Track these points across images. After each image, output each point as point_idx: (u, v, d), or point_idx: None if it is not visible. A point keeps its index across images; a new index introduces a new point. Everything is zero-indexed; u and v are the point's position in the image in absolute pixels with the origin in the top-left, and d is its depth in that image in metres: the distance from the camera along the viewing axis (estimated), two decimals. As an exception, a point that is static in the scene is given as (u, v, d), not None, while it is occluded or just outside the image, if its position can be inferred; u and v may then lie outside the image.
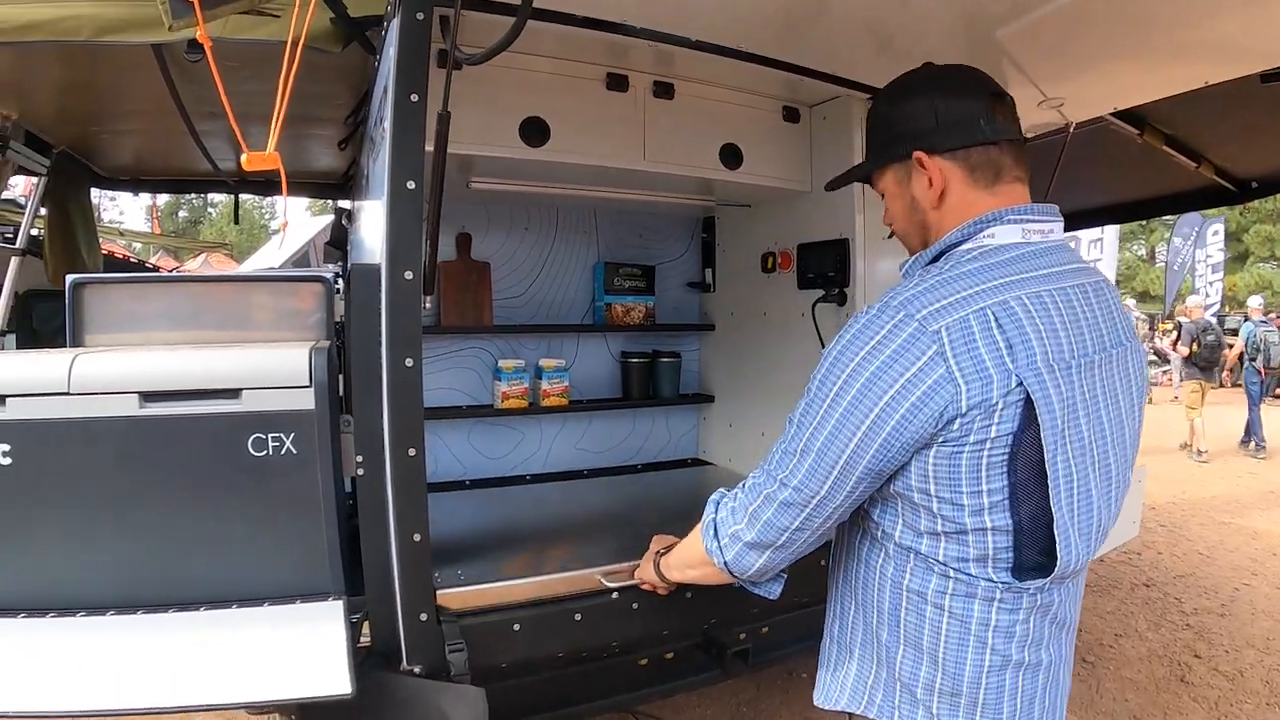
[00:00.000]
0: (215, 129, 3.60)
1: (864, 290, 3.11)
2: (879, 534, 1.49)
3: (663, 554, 2.01)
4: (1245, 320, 13.64)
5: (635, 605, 2.45)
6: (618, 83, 2.85)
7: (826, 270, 3.19)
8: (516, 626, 2.30)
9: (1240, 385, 12.91)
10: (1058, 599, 1.40)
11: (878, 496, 1.44)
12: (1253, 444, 11.44)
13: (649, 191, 3.43)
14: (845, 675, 1.59)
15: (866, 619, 1.55)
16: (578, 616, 2.39)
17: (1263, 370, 12.06)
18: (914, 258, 1.50)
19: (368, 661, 2.12)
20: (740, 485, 1.55)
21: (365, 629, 2.15)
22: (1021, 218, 1.40)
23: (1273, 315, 16.50)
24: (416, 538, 2.11)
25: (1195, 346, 11.18)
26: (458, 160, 2.72)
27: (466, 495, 3.53)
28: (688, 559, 1.78)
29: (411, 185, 2.07)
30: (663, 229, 4.22)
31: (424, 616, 2.14)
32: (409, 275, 2.06)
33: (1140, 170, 4.25)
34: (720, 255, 4.12)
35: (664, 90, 2.94)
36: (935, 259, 1.43)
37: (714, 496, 1.65)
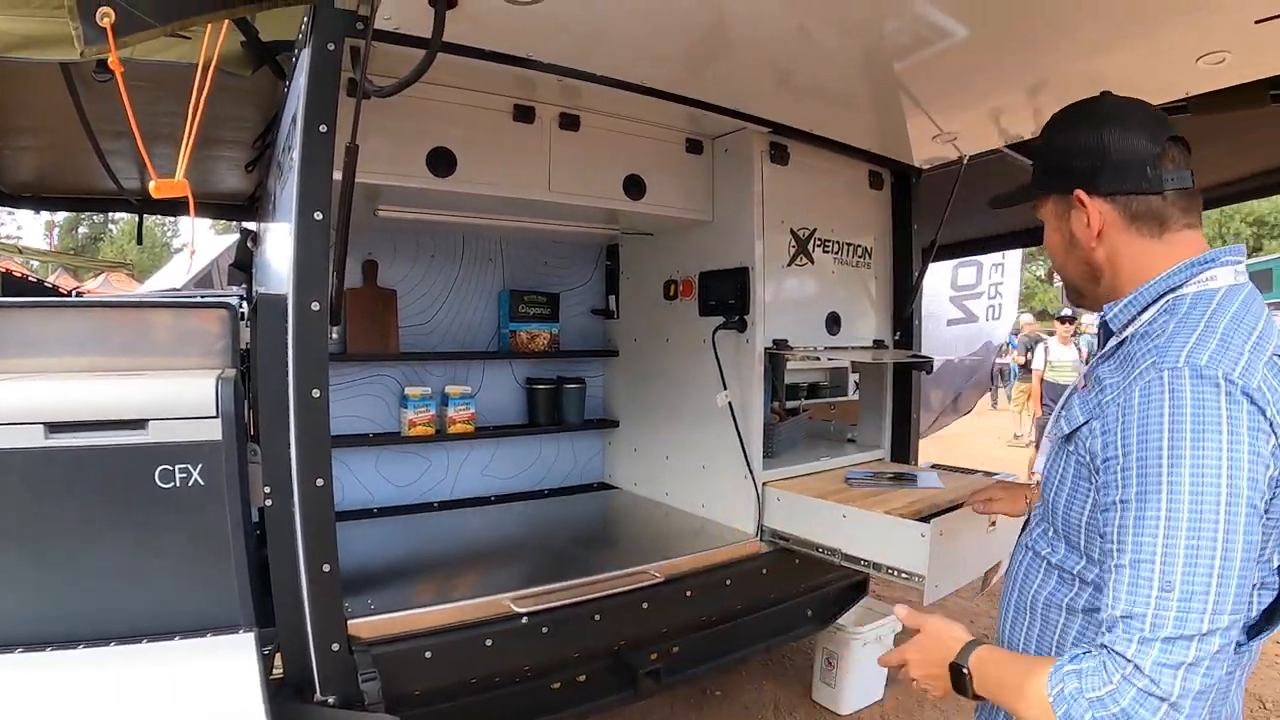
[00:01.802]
0: (121, 148, 3.55)
1: (763, 317, 3.22)
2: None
3: (965, 669, 1.40)
4: (1077, 334, 15.17)
5: (545, 629, 2.50)
6: (524, 114, 2.90)
7: (727, 298, 3.28)
8: (428, 654, 2.32)
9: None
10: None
11: None
12: None
13: (555, 220, 3.48)
14: None
15: None
16: (488, 642, 2.42)
17: (1023, 366, 13.41)
18: (1122, 304, 1.40)
19: (281, 693, 2.12)
20: (1116, 668, 1.14)
21: (278, 660, 2.15)
22: (1236, 258, 1.35)
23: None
24: (326, 568, 2.12)
25: (1028, 356, 12.46)
26: (365, 189, 2.73)
27: (375, 524, 3.52)
28: (1023, 714, 1.27)
29: (319, 216, 2.09)
30: (568, 257, 4.28)
31: (336, 646, 2.15)
32: (315, 306, 2.08)
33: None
34: (624, 282, 4.19)
35: (570, 122, 3.00)
36: (1150, 304, 1.37)
37: (1067, 687, 1.18)
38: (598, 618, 2.60)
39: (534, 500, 4.03)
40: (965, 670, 1.39)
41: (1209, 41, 2.21)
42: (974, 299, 7.29)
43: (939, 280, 7.03)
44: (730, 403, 3.24)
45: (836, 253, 3.57)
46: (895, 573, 2.55)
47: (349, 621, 2.24)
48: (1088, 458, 1.31)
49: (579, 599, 2.58)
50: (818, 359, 5.49)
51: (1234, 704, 1.37)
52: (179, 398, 1.95)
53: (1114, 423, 1.24)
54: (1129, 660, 1.12)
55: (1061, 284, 1.59)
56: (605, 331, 4.39)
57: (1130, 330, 1.36)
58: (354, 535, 3.26)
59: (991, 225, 5.69)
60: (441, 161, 2.75)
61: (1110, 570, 1.20)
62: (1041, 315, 32.90)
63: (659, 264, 3.81)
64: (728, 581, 2.99)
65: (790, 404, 4.69)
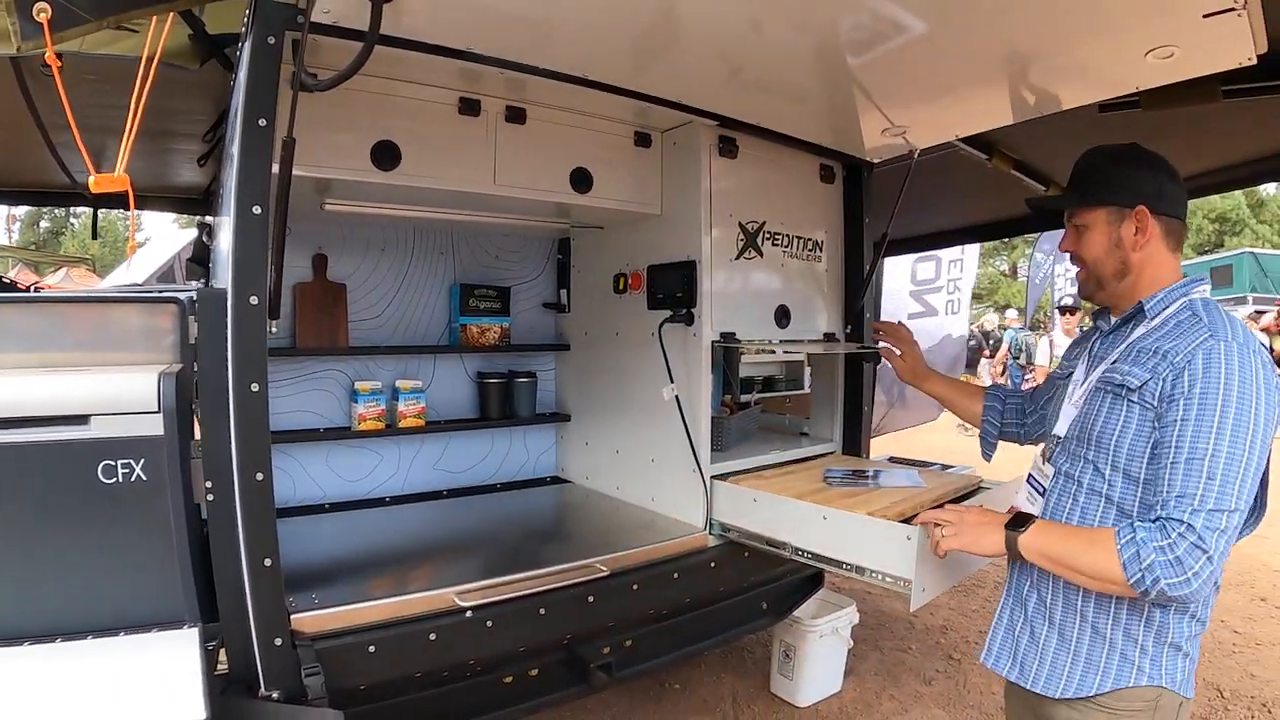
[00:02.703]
0: (73, 141, 3.53)
1: (710, 311, 3.26)
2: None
3: (1019, 530, 1.90)
4: (1005, 329, 17.53)
5: (489, 623, 2.53)
6: (470, 107, 2.91)
7: (674, 291, 3.33)
8: (372, 648, 2.35)
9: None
10: None
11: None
12: None
13: (503, 214, 3.51)
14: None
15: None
16: (432, 636, 2.44)
17: (1025, 366, 14.94)
18: (1159, 298, 1.92)
19: (230, 689, 2.13)
20: (1173, 528, 1.64)
21: (224, 656, 2.17)
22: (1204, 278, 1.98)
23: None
24: (267, 562, 2.14)
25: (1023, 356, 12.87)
26: (311, 182, 2.75)
27: (326, 519, 3.53)
28: (1085, 566, 1.77)
29: (257, 210, 2.10)
30: (519, 250, 4.30)
31: (279, 641, 2.17)
32: (254, 300, 2.09)
33: (999, 191, 4.50)
34: (575, 276, 4.22)
35: (516, 115, 3.02)
36: (1174, 301, 1.91)
37: (1137, 535, 1.68)
38: (543, 611, 2.63)
39: (486, 494, 4.06)
40: (1024, 527, 1.88)
41: (1157, 35, 2.26)
42: (933, 293, 7.39)
43: (899, 275, 7.14)
44: (677, 396, 3.28)
45: (786, 246, 3.61)
46: (880, 577, 2.52)
47: (292, 616, 2.26)
48: (1153, 400, 1.78)
49: (524, 593, 2.61)
50: (773, 351, 5.57)
51: (1209, 612, 1.90)
52: (121, 393, 1.96)
53: (1181, 373, 1.73)
54: (1184, 522, 1.63)
55: (1081, 276, 2.09)
56: (557, 325, 4.42)
57: (1159, 319, 1.89)
58: (304, 530, 3.29)
59: (956, 219, 5.79)
60: (386, 155, 2.76)
61: (1165, 467, 1.70)
62: (1005, 309, 33.45)
63: (609, 257, 3.84)
64: (675, 575, 3.03)
65: (745, 397, 4.76)
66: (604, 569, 2.79)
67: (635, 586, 2.90)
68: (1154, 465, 1.76)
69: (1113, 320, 2.05)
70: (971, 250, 7.60)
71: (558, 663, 2.96)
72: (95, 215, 5.85)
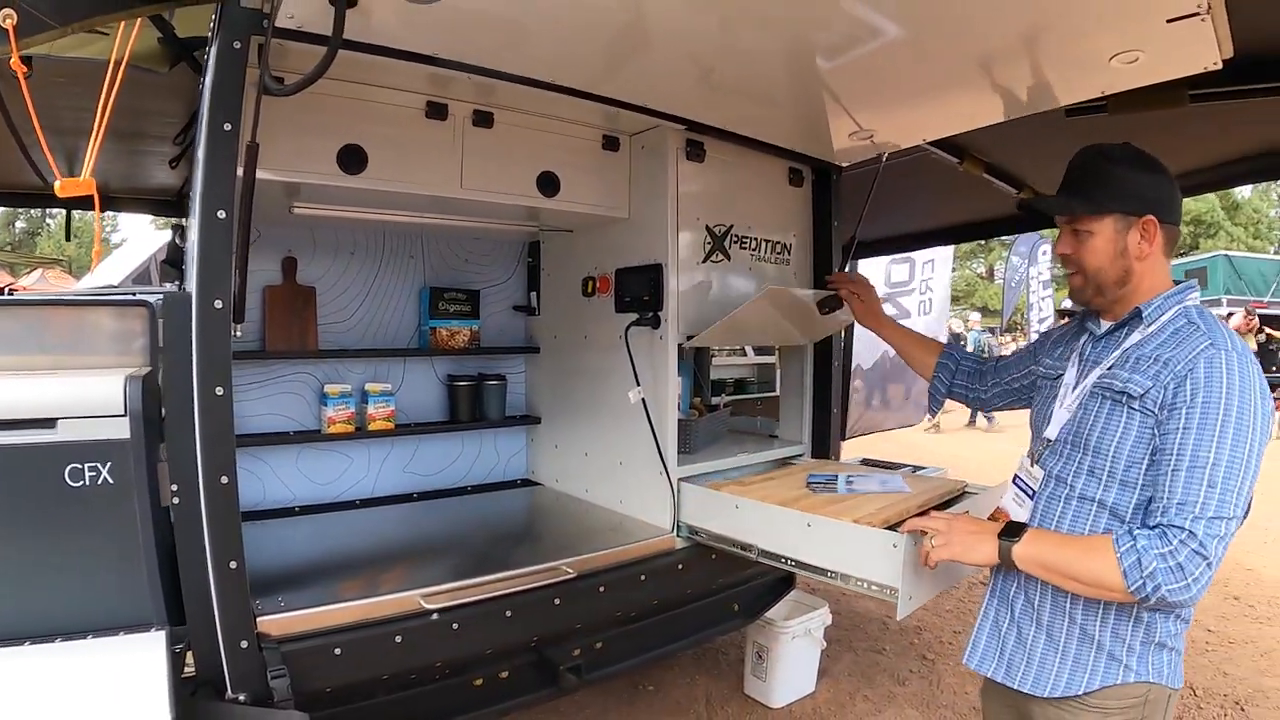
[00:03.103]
0: (49, 143, 3.53)
1: (677, 314, 3.29)
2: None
3: (1012, 539, 1.90)
4: (970, 331, 18.36)
5: (455, 626, 2.56)
6: (437, 111, 2.93)
7: (641, 294, 3.36)
8: (337, 650, 2.37)
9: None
10: None
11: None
12: (979, 420, 16.00)
13: (472, 218, 3.53)
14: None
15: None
16: (398, 638, 2.46)
17: None
18: (1156, 304, 1.94)
19: (200, 691, 2.15)
20: (1174, 535, 1.67)
21: (192, 659, 2.18)
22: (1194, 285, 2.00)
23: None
24: (232, 565, 2.16)
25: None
26: (279, 186, 2.78)
27: (296, 522, 3.54)
28: (1082, 574, 1.79)
29: (222, 214, 2.12)
30: (489, 253, 4.33)
31: (244, 644, 2.19)
32: (219, 304, 2.11)
33: (973, 194, 4.55)
34: (545, 279, 4.24)
35: (483, 119, 3.05)
36: (1171, 308, 1.92)
37: (1138, 543, 1.70)
38: (509, 614, 2.66)
39: (456, 497, 4.07)
40: (1017, 537, 1.88)
41: (1121, 40, 2.29)
42: (906, 295, 7.46)
43: (873, 278, 7.17)
44: (644, 399, 3.31)
45: (754, 249, 3.65)
46: (866, 585, 2.47)
47: (259, 619, 2.28)
48: (1154, 408, 1.79)
49: (490, 595, 2.63)
50: (744, 354, 5.63)
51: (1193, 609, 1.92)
52: (87, 396, 1.98)
53: (1184, 381, 1.75)
54: (1186, 530, 1.65)
55: (1077, 281, 2.04)
56: (527, 328, 4.44)
57: (1155, 325, 1.91)
58: (274, 534, 3.31)
59: (930, 221, 5.84)
60: (353, 159, 2.78)
61: (1166, 474, 1.73)
62: (983, 312, 33.91)
63: (578, 260, 3.87)
64: (642, 577, 3.06)
65: (716, 399, 4.80)
66: (570, 571, 2.81)
67: (602, 589, 2.93)
68: (1153, 471, 1.79)
69: (1104, 325, 2.05)
70: (944, 252, 7.70)
71: (528, 665, 2.98)
72: (69, 217, 5.81)
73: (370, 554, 3.16)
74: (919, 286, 7.50)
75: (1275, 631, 5.33)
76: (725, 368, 5.49)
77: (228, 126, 2.13)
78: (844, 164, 3.87)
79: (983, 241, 35.56)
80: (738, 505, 3.01)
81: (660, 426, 3.29)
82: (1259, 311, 15.84)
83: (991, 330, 26.67)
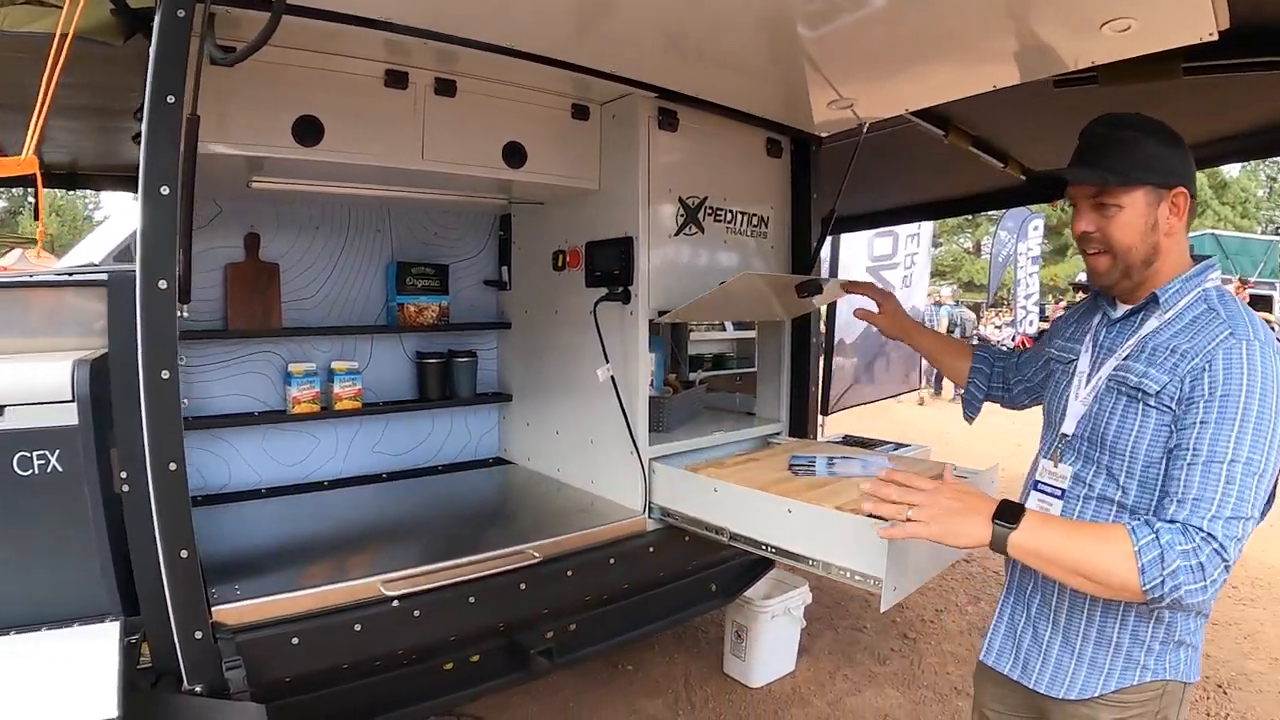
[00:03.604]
0: (12, 120, 3.47)
1: (648, 288, 3.23)
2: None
3: (1011, 525, 1.69)
4: (940, 305, 18.75)
5: (417, 613, 2.52)
6: (397, 80, 2.86)
7: (611, 268, 3.29)
8: (295, 640, 2.33)
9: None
10: None
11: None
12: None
13: (437, 190, 3.46)
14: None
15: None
16: (357, 627, 2.42)
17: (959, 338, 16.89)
18: (1175, 288, 1.84)
19: (163, 682, 2.12)
20: (1195, 534, 1.57)
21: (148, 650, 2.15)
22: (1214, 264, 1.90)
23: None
24: (184, 554, 2.11)
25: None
26: (234, 160, 2.71)
27: (263, 504, 3.50)
28: (1092, 569, 1.63)
29: (165, 190, 2.04)
30: (459, 227, 4.25)
31: (199, 634, 2.15)
32: (163, 284, 2.04)
33: (959, 168, 4.51)
34: (516, 253, 4.18)
35: (445, 88, 2.96)
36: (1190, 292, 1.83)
37: (1161, 538, 1.58)
38: (473, 600, 2.62)
39: (427, 477, 4.03)
40: (1016, 522, 1.68)
41: (1113, 6, 2.22)
42: (890, 269, 7.46)
43: (856, 251, 7.18)
44: (613, 377, 3.25)
45: (730, 222, 3.59)
46: (849, 574, 2.40)
47: (214, 608, 2.24)
48: (1171, 404, 1.71)
49: (452, 581, 2.59)
50: (724, 329, 5.59)
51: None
52: (34, 382, 1.94)
53: (1201, 374, 1.67)
54: (1204, 530, 1.56)
55: (1103, 264, 1.90)
56: (499, 303, 4.38)
57: (1173, 312, 1.82)
58: (238, 517, 3.27)
59: (916, 195, 5.79)
60: (308, 130, 2.70)
61: (1182, 469, 1.64)
62: (969, 286, 34.25)
63: (549, 234, 3.80)
64: (611, 560, 3.02)
65: (695, 375, 4.76)
66: (536, 555, 2.77)
67: (569, 573, 2.89)
68: (1168, 465, 1.71)
69: (1120, 308, 1.95)
70: (927, 225, 7.72)
71: (498, 648, 2.96)
72: (38, 197, 5.75)
73: (334, 537, 3.11)
74: (903, 260, 7.48)
75: (1258, 613, 5.36)
76: (704, 343, 5.45)
77: (171, 99, 2.05)
78: (824, 135, 3.81)
79: (969, 216, 35.98)
80: (716, 489, 2.95)
81: (630, 405, 3.24)
82: (1249, 291, 16.09)
83: (978, 306, 26.93)
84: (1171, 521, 1.60)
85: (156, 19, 2.09)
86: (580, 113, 3.35)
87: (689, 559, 3.36)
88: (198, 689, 2.15)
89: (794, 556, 2.62)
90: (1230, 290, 1.88)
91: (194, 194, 2.10)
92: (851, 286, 2.95)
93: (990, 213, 31.42)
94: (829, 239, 6.65)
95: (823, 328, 6.91)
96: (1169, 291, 1.84)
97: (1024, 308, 21.29)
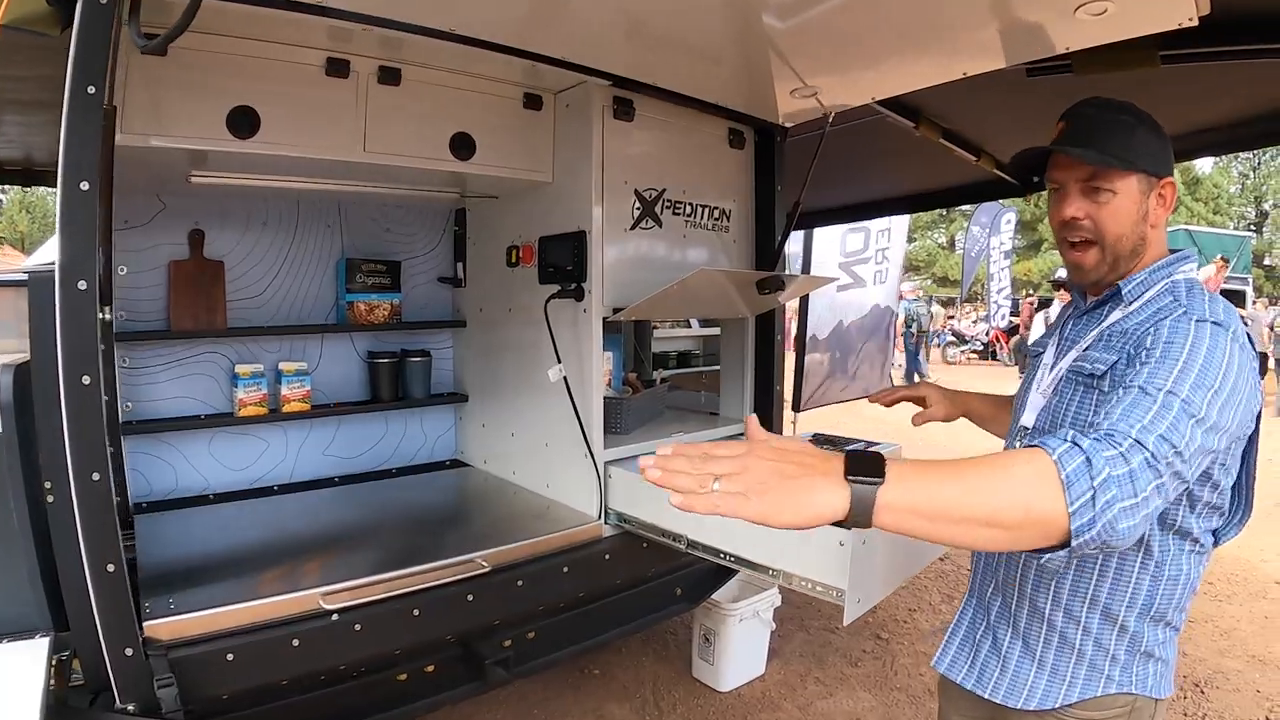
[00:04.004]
0: None
1: (601, 284, 3.16)
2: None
3: (874, 479, 1.22)
4: (901, 299, 18.20)
5: (358, 627, 2.45)
6: (338, 68, 2.78)
7: (564, 264, 3.22)
8: (230, 656, 2.26)
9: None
10: None
11: None
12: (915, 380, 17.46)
13: (385, 184, 3.38)
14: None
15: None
16: (295, 642, 2.36)
17: (916, 332, 18.45)
18: (1140, 279, 1.77)
19: (100, 700, 2.08)
20: (1121, 440, 1.31)
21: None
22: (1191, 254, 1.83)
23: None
24: (110, 568, 2.04)
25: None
26: (171, 153, 2.64)
27: (209, 511, 3.42)
28: (997, 505, 1.25)
29: (85, 186, 1.97)
30: (413, 222, 4.17)
31: (129, 651, 2.08)
32: (83, 285, 1.96)
33: (932, 161, 4.45)
34: (471, 249, 4.11)
35: (390, 76, 2.88)
36: (1157, 284, 1.75)
37: (1083, 444, 1.29)
38: (417, 613, 2.56)
39: (380, 481, 3.96)
40: (880, 475, 1.21)
41: None
42: (862, 264, 7.43)
43: (828, 247, 7.15)
44: (565, 377, 3.19)
45: (689, 215, 3.52)
46: (810, 585, 2.32)
47: (147, 623, 2.17)
48: (1120, 381, 1.55)
49: (395, 593, 2.53)
50: (689, 325, 5.54)
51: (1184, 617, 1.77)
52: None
53: (1143, 340, 1.57)
54: (1131, 436, 1.32)
55: (1090, 258, 1.80)
56: (454, 300, 4.31)
57: (1137, 304, 1.73)
58: (183, 524, 3.19)
59: (888, 188, 5.76)
60: (243, 122, 2.62)
61: (1109, 401, 1.44)
62: (943, 282, 34.76)
63: (503, 229, 3.73)
64: (565, 569, 2.96)
65: (661, 374, 4.71)
66: (485, 564, 2.71)
67: (520, 583, 2.82)
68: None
69: (1090, 300, 1.88)
70: (900, 220, 7.71)
71: (454, 658, 2.90)
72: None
73: (280, 546, 3.04)
74: (874, 255, 7.46)
75: (1235, 610, 5.35)
76: (668, 340, 5.41)
77: (91, 90, 1.97)
78: (789, 125, 3.74)
79: (944, 211, 36.48)
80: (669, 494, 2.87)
81: (584, 406, 3.17)
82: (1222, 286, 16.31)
83: (951, 301, 27.21)
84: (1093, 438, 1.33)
85: (79, 4, 2.02)
86: (533, 102, 3.28)
87: (648, 566, 3.30)
88: (130, 708, 2.09)
89: (754, 566, 2.55)
90: (1205, 280, 1.85)
91: (113, 189, 2.04)
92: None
93: (964, 208, 31.88)
94: (801, 235, 6.64)
95: (793, 327, 6.89)
96: (1132, 283, 1.76)
97: (996, 302, 21.55)
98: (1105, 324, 1.77)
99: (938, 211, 37.83)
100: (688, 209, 3.52)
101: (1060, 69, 2.69)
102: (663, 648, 4.56)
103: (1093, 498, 1.23)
